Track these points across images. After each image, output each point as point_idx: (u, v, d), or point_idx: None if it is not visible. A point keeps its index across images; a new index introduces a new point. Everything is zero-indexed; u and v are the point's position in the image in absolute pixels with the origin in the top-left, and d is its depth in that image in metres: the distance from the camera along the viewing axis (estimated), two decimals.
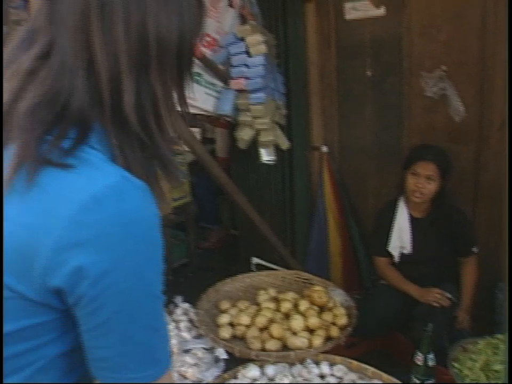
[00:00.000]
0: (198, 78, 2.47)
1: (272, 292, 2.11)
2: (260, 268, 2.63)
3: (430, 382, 1.67)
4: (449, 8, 2.32)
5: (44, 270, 0.56)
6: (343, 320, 1.88)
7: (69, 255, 0.55)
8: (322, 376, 1.64)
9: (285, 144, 2.75)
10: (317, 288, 2.06)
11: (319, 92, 2.89)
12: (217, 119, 3.13)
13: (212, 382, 1.62)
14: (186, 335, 1.88)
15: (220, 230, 3.99)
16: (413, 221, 2.38)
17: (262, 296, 2.08)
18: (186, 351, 1.80)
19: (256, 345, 1.75)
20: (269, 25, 2.78)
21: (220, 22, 2.63)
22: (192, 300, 2.07)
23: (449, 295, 2.21)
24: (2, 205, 0.58)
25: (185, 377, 1.65)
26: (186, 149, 2.51)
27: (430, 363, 1.65)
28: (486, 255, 2.32)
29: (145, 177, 0.62)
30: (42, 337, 0.62)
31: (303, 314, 1.90)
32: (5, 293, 0.59)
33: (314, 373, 1.63)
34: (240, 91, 2.57)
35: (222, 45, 2.57)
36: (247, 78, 2.52)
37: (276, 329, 1.79)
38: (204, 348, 1.80)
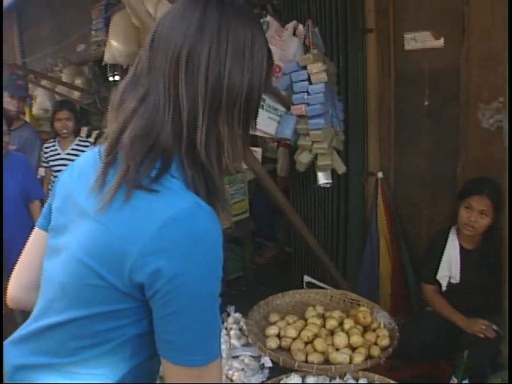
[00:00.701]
0: (262, 103, 2.63)
1: (319, 309, 2.21)
2: (310, 285, 2.71)
3: None
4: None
5: (131, 269, 0.74)
6: (385, 341, 1.95)
7: (150, 259, 0.72)
8: None
9: (341, 168, 2.85)
10: (363, 308, 2.15)
11: (377, 120, 2.96)
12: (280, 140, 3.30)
13: None
14: (235, 342, 2.03)
15: (275, 246, 4.07)
16: (463, 251, 2.40)
17: (310, 312, 2.18)
18: (235, 357, 1.95)
19: (300, 356, 1.85)
20: (330, 53, 2.91)
21: (284, 50, 2.79)
22: (243, 310, 2.22)
23: (495, 327, 2.21)
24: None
25: (231, 380, 1.80)
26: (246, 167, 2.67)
27: None
28: None
29: (210, 201, 0.78)
30: (126, 319, 0.79)
31: (347, 332, 1.99)
32: (98, 282, 0.76)
33: None
34: (300, 116, 2.72)
35: (285, 72, 2.74)
36: (307, 104, 2.67)
37: (319, 344, 1.90)
38: (251, 356, 1.94)
